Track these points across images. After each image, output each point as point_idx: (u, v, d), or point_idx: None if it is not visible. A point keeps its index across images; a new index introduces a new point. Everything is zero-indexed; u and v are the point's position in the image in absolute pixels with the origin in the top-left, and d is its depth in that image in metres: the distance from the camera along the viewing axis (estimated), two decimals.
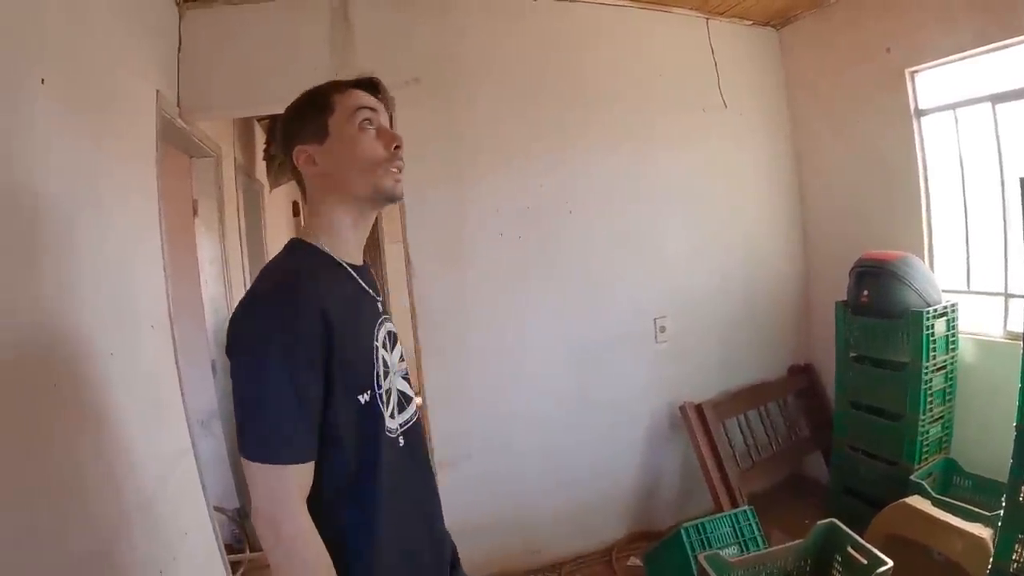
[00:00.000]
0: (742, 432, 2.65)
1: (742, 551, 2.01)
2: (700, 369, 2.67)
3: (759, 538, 2.09)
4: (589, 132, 2.49)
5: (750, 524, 2.11)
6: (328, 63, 2.20)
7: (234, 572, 2.22)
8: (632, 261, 2.56)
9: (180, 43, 2.21)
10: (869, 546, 1.70)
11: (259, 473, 0.73)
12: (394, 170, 0.88)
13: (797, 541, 1.83)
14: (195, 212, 2.38)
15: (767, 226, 2.90)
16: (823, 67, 2.81)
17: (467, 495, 2.24)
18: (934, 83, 2.40)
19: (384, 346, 0.89)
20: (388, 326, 0.93)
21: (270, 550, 0.74)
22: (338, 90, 0.89)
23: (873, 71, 2.53)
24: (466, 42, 2.34)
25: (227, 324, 0.79)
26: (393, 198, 0.89)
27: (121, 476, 1.34)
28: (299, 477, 0.75)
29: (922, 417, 2.15)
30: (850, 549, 1.73)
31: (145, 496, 1.45)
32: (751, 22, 2.94)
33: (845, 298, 2.41)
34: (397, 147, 0.88)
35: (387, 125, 0.91)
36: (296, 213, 5.23)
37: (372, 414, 0.82)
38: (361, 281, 0.90)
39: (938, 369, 2.20)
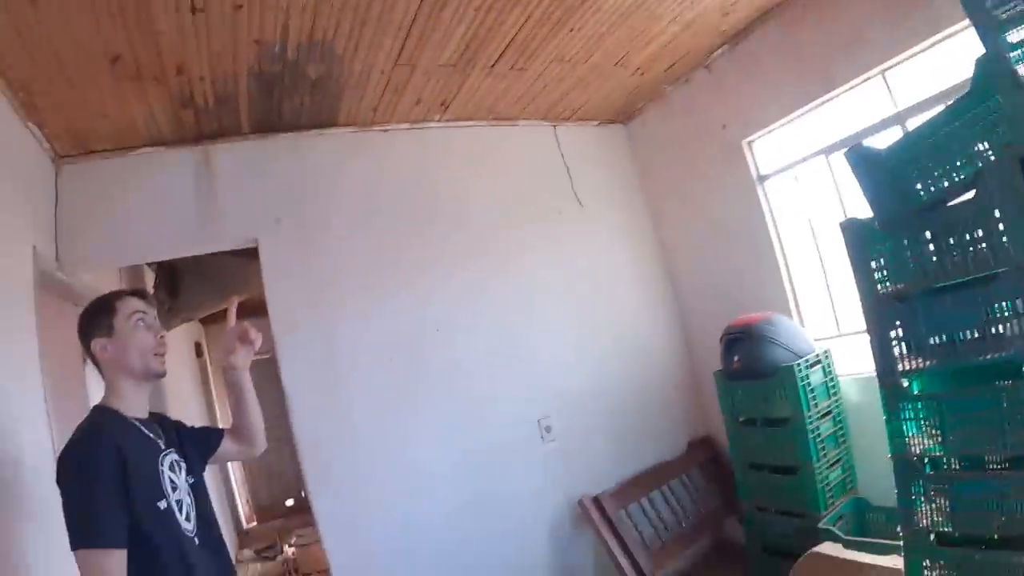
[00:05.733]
0: (647, 515, 2.65)
1: None
2: (595, 462, 2.67)
3: None
4: (448, 249, 2.57)
5: None
6: (195, 210, 2.27)
7: None
8: (510, 368, 2.60)
9: (57, 198, 2.27)
10: None
11: (88, 558, 0.99)
12: (159, 355, 1.23)
13: None
14: (84, 360, 2.38)
15: (644, 313, 3.00)
16: (669, 153, 2.99)
17: None
18: (773, 148, 2.60)
19: (171, 469, 1.20)
20: (172, 456, 1.23)
21: None
22: (119, 298, 1.25)
23: (714, 147, 2.73)
24: (320, 179, 2.45)
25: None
26: (158, 375, 1.24)
27: None
28: (117, 562, 1.01)
29: (817, 465, 2.20)
30: None
31: None
32: (598, 122, 3.09)
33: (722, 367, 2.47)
34: (162, 337, 1.24)
35: (154, 323, 1.26)
36: (199, 354, 5.38)
37: (169, 517, 1.13)
38: (144, 428, 1.22)
39: (824, 415, 2.27)
